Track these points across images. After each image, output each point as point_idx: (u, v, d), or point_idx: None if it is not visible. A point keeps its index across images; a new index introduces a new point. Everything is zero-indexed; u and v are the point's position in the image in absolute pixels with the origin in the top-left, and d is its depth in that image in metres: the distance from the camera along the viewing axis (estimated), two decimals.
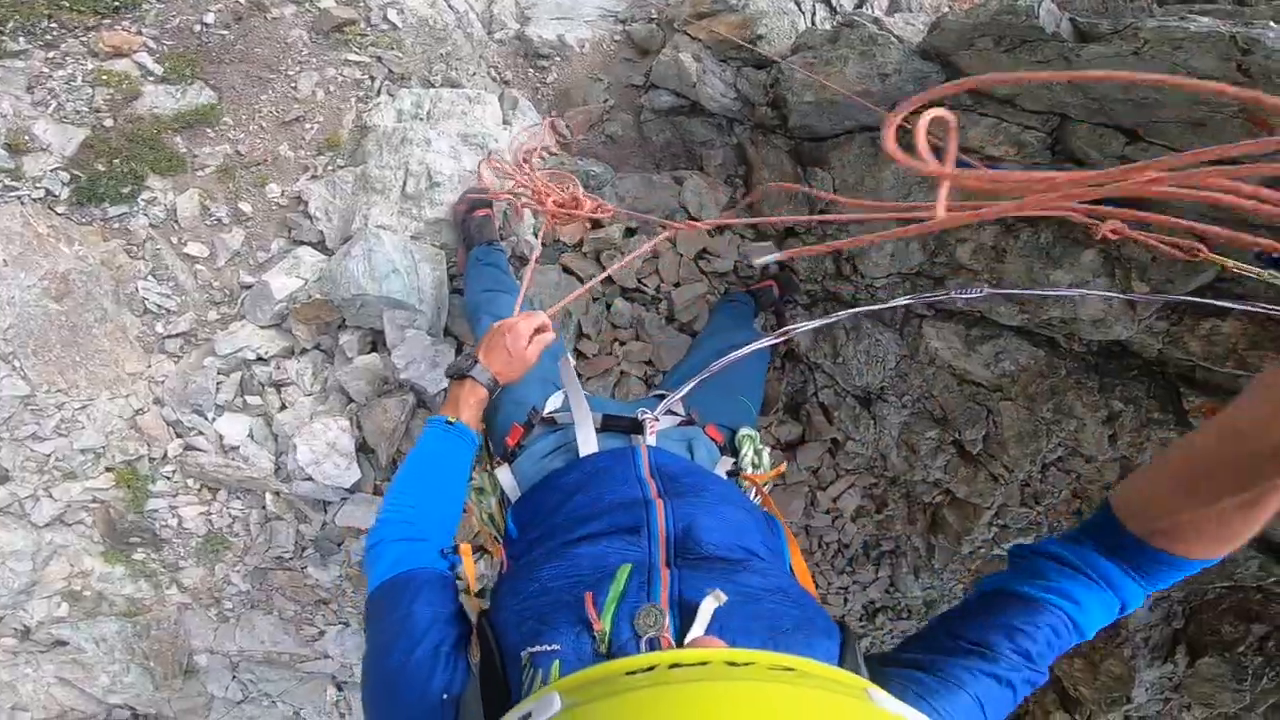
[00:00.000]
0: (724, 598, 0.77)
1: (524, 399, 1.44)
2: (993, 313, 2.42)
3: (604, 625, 0.77)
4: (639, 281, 2.92)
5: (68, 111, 2.27)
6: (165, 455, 2.39)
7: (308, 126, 2.56)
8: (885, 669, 0.78)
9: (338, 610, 2.60)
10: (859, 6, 2.86)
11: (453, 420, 1.09)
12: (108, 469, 2.31)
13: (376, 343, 2.64)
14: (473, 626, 0.89)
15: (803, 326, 1.34)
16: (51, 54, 2.28)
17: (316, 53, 2.55)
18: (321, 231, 2.64)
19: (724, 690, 0.50)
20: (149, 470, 2.38)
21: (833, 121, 2.43)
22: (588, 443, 1.22)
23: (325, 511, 2.57)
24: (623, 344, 2.93)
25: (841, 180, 2.54)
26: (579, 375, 2.92)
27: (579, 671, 0.60)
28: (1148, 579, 0.77)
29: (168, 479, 2.40)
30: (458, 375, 1.25)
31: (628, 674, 0.55)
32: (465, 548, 1.09)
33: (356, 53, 2.61)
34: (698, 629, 0.74)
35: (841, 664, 0.76)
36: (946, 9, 2.52)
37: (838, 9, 2.75)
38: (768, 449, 1.51)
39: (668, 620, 0.77)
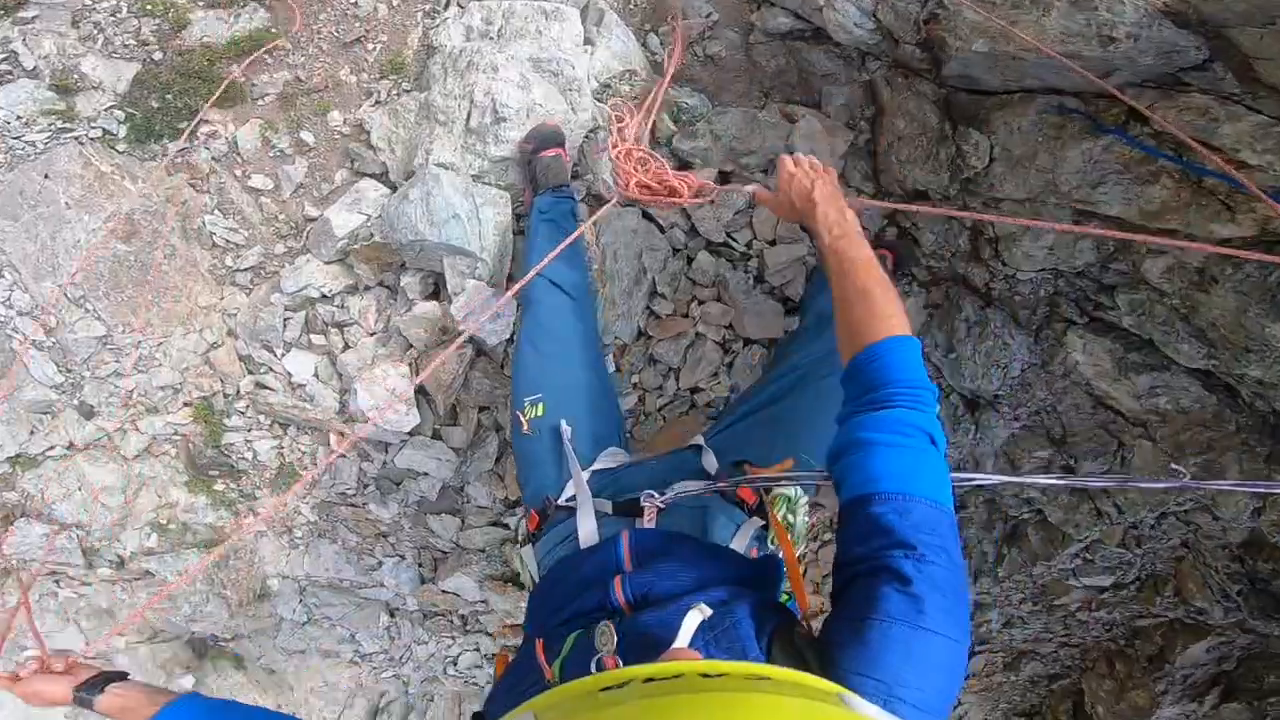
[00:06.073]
0: (708, 611, 0.76)
1: (540, 484, 1.46)
2: (1169, 347, 1.94)
3: (554, 675, 0.81)
4: (728, 235, 2.55)
5: (116, 46, 2.09)
6: (238, 392, 2.44)
7: (370, 48, 2.24)
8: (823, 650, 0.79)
9: (395, 544, 2.72)
10: None
11: None
12: (185, 404, 2.39)
13: (439, 285, 2.49)
14: None
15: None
16: None
17: None
18: (384, 163, 2.41)
19: (701, 702, 0.50)
20: (224, 406, 2.44)
21: (1006, 76, 1.85)
22: (588, 536, 1.21)
23: (386, 452, 2.61)
24: (701, 303, 2.64)
25: (1004, 149, 2.00)
26: (649, 337, 2.69)
27: (553, 690, 0.60)
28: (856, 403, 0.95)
29: (241, 414, 2.46)
30: None
31: (603, 690, 0.55)
32: (501, 655, 1.19)
33: None
34: (681, 641, 0.73)
35: (769, 656, 0.77)
36: None
37: None
38: (805, 506, 1.34)
39: (615, 640, 0.77)
